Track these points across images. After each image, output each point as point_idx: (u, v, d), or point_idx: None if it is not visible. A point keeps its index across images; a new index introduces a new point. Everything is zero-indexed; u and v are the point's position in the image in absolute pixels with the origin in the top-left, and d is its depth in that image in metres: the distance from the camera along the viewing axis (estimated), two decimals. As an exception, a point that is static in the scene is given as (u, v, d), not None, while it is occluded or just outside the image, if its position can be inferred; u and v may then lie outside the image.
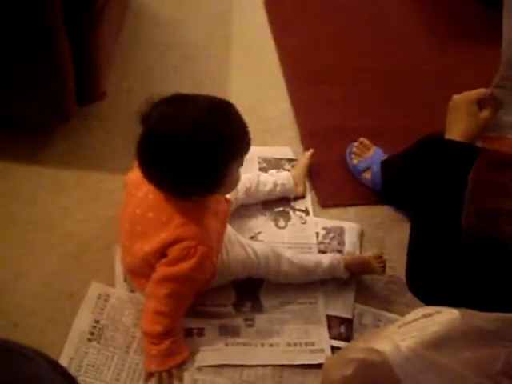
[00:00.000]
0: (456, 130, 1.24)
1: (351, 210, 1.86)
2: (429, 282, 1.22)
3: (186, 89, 2.11)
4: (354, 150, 1.95)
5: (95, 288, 1.58)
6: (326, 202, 1.86)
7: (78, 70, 1.75)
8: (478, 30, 2.65)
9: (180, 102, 1.32)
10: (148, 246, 1.40)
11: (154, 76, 2.23)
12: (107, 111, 2.04)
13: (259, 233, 1.75)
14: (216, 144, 1.27)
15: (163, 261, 1.39)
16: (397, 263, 1.74)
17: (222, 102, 1.33)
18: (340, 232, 1.78)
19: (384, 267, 1.66)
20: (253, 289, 1.63)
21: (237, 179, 1.41)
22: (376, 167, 1.86)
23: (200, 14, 2.56)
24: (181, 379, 1.44)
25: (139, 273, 1.49)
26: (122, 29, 2.25)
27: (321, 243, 1.75)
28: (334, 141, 2.02)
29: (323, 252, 1.72)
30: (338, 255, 1.66)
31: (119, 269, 1.62)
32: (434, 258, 1.21)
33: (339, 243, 1.75)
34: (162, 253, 1.39)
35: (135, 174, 1.43)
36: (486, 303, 1.06)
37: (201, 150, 1.25)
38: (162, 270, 1.39)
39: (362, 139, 1.96)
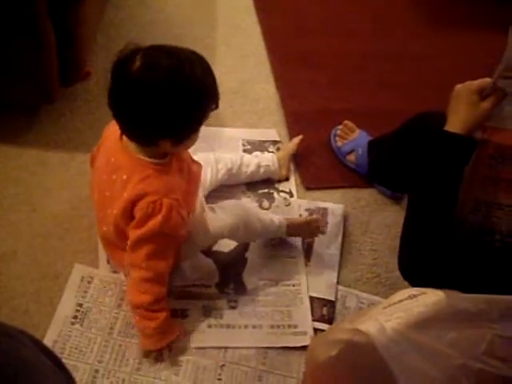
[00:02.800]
0: (455, 119, 1.23)
1: (336, 193, 1.86)
2: (420, 268, 1.23)
3: (171, 69, 2.13)
4: (339, 132, 1.95)
5: (78, 270, 1.57)
6: (311, 184, 1.86)
7: (61, 51, 1.73)
8: (466, 12, 2.64)
9: (159, 51, 1.31)
10: (116, 209, 1.38)
11: (138, 56, 2.20)
12: (92, 91, 2.02)
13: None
14: (196, 89, 1.27)
15: (132, 224, 1.36)
16: (381, 246, 1.75)
17: (198, 54, 1.33)
18: (323, 212, 1.78)
19: (319, 228, 1.68)
20: (236, 269, 1.63)
21: (197, 137, 1.39)
22: (361, 150, 1.85)
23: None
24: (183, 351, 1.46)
25: (115, 244, 1.47)
26: (105, 8, 2.22)
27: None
28: (319, 123, 2.02)
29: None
30: (282, 217, 1.66)
31: (103, 251, 1.62)
32: (426, 246, 1.22)
33: (322, 225, 1.74)
34: (129, 214, 1.36)
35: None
36: (477, 290, 1.06)
37: (181, 93, 1.25)
38: (133, 234, 1.36)
39: (346, 122, 1.96)
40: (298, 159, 1.91)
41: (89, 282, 1.55)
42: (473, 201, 1.26)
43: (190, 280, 1.59)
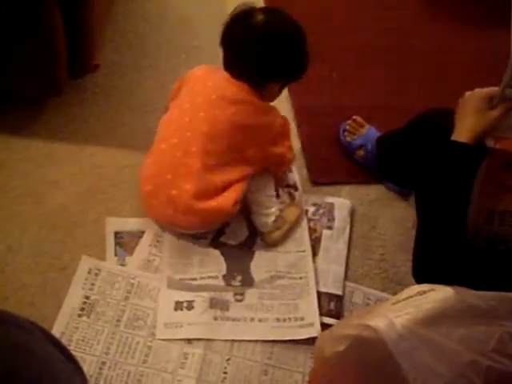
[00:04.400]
0: (463, 127, 1.23)
1: (344, 188, 1.86)
2: (433, 275, 1.21)
3: (180, 62, 2.14)
4: (348, 127, 1.94)
5: (85, 262, 1.57)
6: (318, 179, 1.85)
7: (70, 43, 1.72)
8: (475, 9, 2.63)
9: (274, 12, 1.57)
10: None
11: (146, 49, 2.20)
12: (100, 84, 2.02)
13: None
14: (301, 37, 1.57)
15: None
16: (388, 242, 1.75)
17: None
18: (330, 208, 1.77)
19: None
20: (243, 260, 1.63)
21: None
22: (370, 145, 1.85)
23: (193, -14, 2.53)
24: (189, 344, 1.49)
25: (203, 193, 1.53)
26: (114, 1, 2.21)
27: (310, 220, 1.74)
28: (328, 118, 2.01)
29: (313, 230, 1.73)
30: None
31: (110, 242, 1.63)
32: (439, 254, 1.21)
33: (329, 219, 1.75)
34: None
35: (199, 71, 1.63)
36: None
37: (292, 46, 1.55)
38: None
39: (355, 117, 1.95)
40: (307, 153, 1.91)
41: (96, 275, 1.55)
42: (486, 210, 1.25)
43: (197, 272, 1.59)
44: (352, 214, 1.79)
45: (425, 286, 1.06)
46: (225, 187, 1.54)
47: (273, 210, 1.64)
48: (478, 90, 1.24)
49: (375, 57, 2.34)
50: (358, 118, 1.94)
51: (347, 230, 1.73)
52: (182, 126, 1.54)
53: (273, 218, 1.63)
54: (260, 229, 1.66)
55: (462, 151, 1.21)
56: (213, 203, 1.53)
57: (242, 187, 1.57)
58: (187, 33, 2.29)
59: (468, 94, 1.26)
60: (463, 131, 1.22)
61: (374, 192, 1.86)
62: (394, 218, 1.80)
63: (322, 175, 1.86)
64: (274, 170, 1.67)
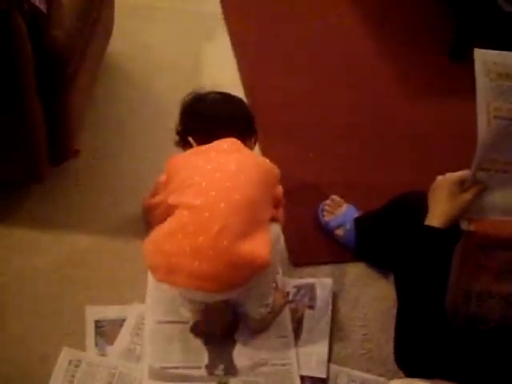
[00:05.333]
0: (436, 211, 1.25)
1: (324, 268, 1.86)
2: (415, 359, 1.21)
3: (159, 145, 2.16)
4: (326, 207, 1.96)
5: (66, 354, 1.56)
6: (299, 260, 1.86)
7: (50, 130, 1.75)
8: (448, 82, 2.72)
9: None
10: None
11: (127, 133, 2.23)
12: (81, 170, 2.04)
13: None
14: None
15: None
16: (371, 321, 1.75)
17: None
18: (311, 288, 1.78)
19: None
20: (225, 348, 1.62)
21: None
22: (349, 224, 1.87)
23: (171, 70, 2.58)
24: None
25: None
26: (94, 86, 2.25)
27: (292, 301, 1.74)
28: (306, 198, 2.03)
29: (295, 310, 1.72)
30: None
31: (90, 331, 1.62)
32: (419, 338, 1.21)
33: (310, 298, 1.75)
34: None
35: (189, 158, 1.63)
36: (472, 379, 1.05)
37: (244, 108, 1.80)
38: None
39: (333, 196, 1.98)
40: (286, 235, 1.90)
41: (76, 366, 1.53)
42: (464, 291, 1.26)
43: (179, 360, 1.57)
44: (333, 293, 1.79)
45: (402, 381, 1.05)
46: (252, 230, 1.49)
47: (270, 299, 1.63)
48: (449, 175, 1.27)
49: (350, 134, 2.38)
50: (337, 198, 1.97)
51: (329, 310, 1.73)
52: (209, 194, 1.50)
53: (269, 308, 1.63)
54: (253, 316, 1.64)
55: (434, 236, 1.23)
56: (246, 246, 1.44)
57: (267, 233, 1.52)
58: (167, 116, 2.32)
59: (440, 178, 1.28)
60: (436, 215, 1.24)
61: (355, 271, 1.87)
62: (376, 296, 1.80)
63: (303, 256, 1.87)
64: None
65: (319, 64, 2.76)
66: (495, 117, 1.15)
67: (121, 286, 1.73)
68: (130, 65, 2.58)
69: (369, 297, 1.81)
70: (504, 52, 1.16)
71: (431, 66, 2.84)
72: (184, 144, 1.72)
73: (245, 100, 1.95)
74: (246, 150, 1.63)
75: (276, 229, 1.60)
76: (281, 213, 1.68)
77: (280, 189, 1.70)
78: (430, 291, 1.23)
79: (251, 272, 1.46)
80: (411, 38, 3.01)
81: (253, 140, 1.76)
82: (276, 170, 1.65)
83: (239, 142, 1.63)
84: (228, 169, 1.52)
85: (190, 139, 1.68)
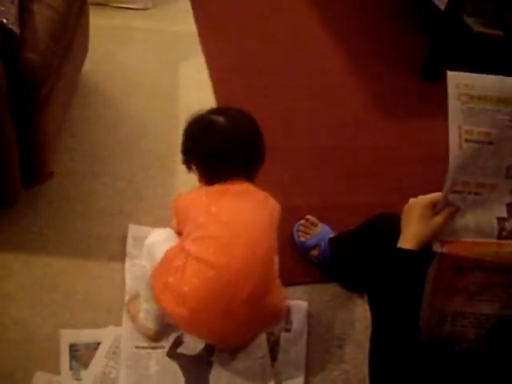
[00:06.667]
0: (408, 234, 1.25)
1: (299, 289, 1.86)
2: (389, 380, 1.21)
3: (135, 166, 2.16)
4: (301, 227, 1.97)
5: (39, 378, 1.53)
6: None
7: (23, 154, 1.74)
8: (422, 102, 2.76)
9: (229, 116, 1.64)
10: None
11: (101, 155, 2.22)
12: (55, 192, 2.03)
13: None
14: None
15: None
16: (347, 341, 1.75)
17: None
18: (287, 311, 1.76)
19: None
20: (202, 373, 1.60)
21: None
22: (324, 244, 1.87)
23: (147, 91, 2.59)
24: None
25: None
26: (70, 108, 2.25)
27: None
28: (281, 219, 2.02)
29: (271, 333, 1.71)
30: None
31: (65, 355, 1.59)
32: (393, 359, 1.21)
33: (287, 322, 1.74)
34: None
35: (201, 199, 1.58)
36: None
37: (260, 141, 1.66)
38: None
39: (308, 216, 1.98)
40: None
41: (49, 391, 1.52)
42: (438, 312, 1.26)
43: (155, 384, 1.56)
44: (309, 314, 1.79)
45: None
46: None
47: None
48: (421, 197, 1.27)
49: (325, 155, 2.40)
50: (312, 218, 1.98)
51: (305, 333, 1.73)
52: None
53: None
54: None
55: (406, 258, 1.23)
56: (271, 302, 1.50)
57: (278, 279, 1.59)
58: (143, 138, 2.33)
59: (412, 200, 1.29)
60: (408, 238, 1.24)
61: (330, 291, 1.87)
62: (351, 316, 1.81)
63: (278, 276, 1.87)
64: None
65: (293, 84, 2.78)
66: (466, 140, 1.16)
67: (95, 309, 1.71)
68: (106, 85, 2.58)
69: (344, 317, 1.81)
70: (476, 74, 1.17)
71: (405, 86, 2.88)
72: (188, 167, 1.66)
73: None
74: (254, 191, 1.61)
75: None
76: None
77: None
78: (404, 313, 1.23)
79: (272, 323, 1.60)
80: (385, 58, 3.06)
81: (258, 170, 1.69)
82: (278, 206, 1.65)
83: (247, 182, 1.61)
84: (244, 219, 1.53)
85: (193, 168, 1.64)
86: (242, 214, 1.53)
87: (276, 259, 1.62)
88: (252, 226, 1.51)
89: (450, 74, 1.16)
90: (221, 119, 1.59)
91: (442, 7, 2.87)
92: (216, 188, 1.57)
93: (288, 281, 1.85)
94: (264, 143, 1.67)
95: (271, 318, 1.56)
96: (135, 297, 1.68)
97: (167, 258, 1.52)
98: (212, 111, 1.65)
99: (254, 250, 1.47)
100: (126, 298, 1.72)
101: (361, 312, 1.80)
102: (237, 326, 1.48)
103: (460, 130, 1.16)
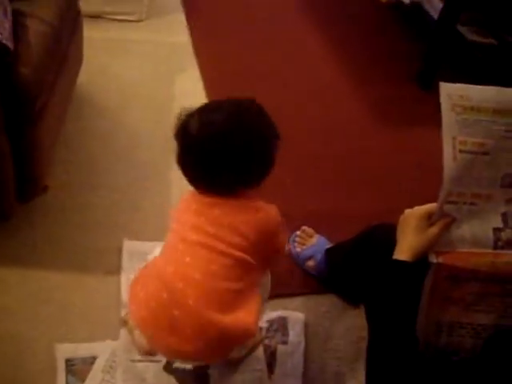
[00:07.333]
0: (404, 245, 1.25)
1: (296, 300, 1.85)
2: None
3: (130, 179, 2.16)
4: (297, 238, 1.97)
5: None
6: (271, 292, 1.83)
7: (18, 168, 1.74)
8: (418, 110, 2.76)
9: (209, 111, 1.43)
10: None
11: (97, 167, 2.23)
12: (50, 205, 2.02)
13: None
14: (254, 131, 1.40)
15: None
16: (344, 352, 1.74)
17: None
18: (284, 322, 1.77)
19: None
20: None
21: None
22: (320, 255, 1.87)
23: (142, 102, 2.59)
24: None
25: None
26: (64, 121, 2.24)
27: (265, 338, 1.72)
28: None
29: (268, 346, 1.71)
30: None
31: (61, 369, 1.59)
32: (391, 371, 1.21)
33: (283, 334, 1.74)
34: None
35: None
36: None
37: (241, 139, 1.36)
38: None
39: (304, 227, 1.98)
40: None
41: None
42: (435, 323, 1.26)
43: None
44: (306, 325, 1.78)
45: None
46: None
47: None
48: (417, 208, 1.27)
49: (321, 164, 2.40)
50: (307, 229, 1.98)
51: (302, 344, 1.73)
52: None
53: (245, 351, 1.61)
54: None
55: (402, 270, 1.23)
56: (227, 319, 1.32)
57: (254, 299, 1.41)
58: (139, 149, 2.33)
59: (407, 211, 1.29)
60: (404, 249, 1.24)
61: (327, 302, 1.86)
62: (348, 327, 1.80)
63: (274, 288, 1.85)
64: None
65: (288, 92, 2.78)
66: (460, 151, 1.17)
67: (92, 323, 1.71)
68: (101, 97, 2.58)
69: (341, 328, 1.80)
70: (469, 85, 1.18)
71: (401, 93, 2.89)
72: None
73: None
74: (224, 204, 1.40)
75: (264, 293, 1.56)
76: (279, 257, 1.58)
77: (282, 237, 1.53)
78: (401, 324, 1.23)
79: (235, 344, 1.42)
80: (381, 65, 3.08)
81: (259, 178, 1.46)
82: (273, 221, 1.45)
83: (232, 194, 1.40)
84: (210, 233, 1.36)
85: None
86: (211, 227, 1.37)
87: (267, 278, 1.59)
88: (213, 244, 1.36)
89: (443, 84, 1.16)
90: (193, 120, 1.39)
91: (436, 16, 2.89)
92: (190, 196, 1.46)
93: (285, 292, 1.86)
94: (268, 146, 1.43)
95: (229, 340, 1.37)
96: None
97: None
98: (200, 108, 1.44)
99: (207, 267, 1.34)
100: (123, 311, 1.71)
101: (357, 322, 1.80)
102: (188, 348, 1.33)
103: (454, 140, 1.17)
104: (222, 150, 1.35)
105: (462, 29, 2.95)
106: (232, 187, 1.40)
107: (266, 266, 1.50)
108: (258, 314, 1.40)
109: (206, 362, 1.50)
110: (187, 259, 1.35)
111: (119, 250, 1.89)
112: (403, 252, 1.24)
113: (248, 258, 1.37)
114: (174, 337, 1.33)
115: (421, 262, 1.24)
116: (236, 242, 1.36)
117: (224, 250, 1.35)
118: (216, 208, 1.39)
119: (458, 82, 1.18)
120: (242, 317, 1.34)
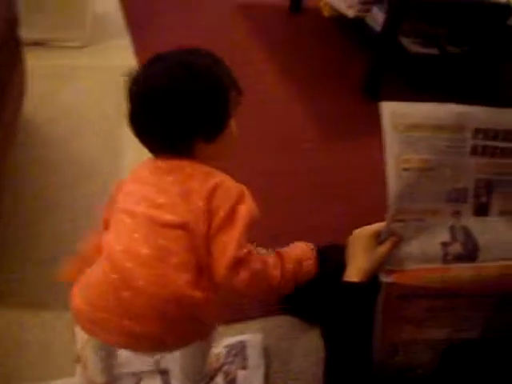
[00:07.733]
0: (353, 266, 1.25)
1: (254, 323, 1.83)
2: None
3: (82, 209, 2.12)
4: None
5: None
6: (228, 317, 1.83)
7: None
8: (365, 122, 2.77)
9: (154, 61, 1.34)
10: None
11: (46, 196, 2.18)
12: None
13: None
14: (205, 81, 1.28)
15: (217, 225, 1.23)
16: (304, 374, 1.73)
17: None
18: (242, 347, 1.74)
19: None
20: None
21: (235, 132, 1.42)
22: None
23: (91, 129, 2.56)
24: None
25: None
26: (9, 150, 2.19)
27: (224, 364, 1.70)
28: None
29: (227, 373, 1.69)
30: None
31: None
32: None
33: (244, 358, 1.72)
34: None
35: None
36: None
37: (189, 90, 1.25)
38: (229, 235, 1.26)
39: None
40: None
41: None
42: (390, 343, 1.26)
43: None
44: (265, 348, 1.77)
45: None
46: None
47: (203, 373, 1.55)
48: (364, 228, 1.28)
49: (275, 180, 2.41)
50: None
51: (262, 368, 1.71)
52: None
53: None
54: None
55: (353, 291, 1.23)
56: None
57: None
58: (88, 179, 2.29)
59: (356, 232, 1.29)
60: (354, 270, 1.24)
61: (285, 324, 1.85)
62: (308, 347, 1.79)
63: (232, 313, 1.83)
64: None
65: (239, 117, 2.77)
66: (404, 169, 1.17)
67: (48, 360, 1.66)
68: (48, 127, 2.54)
69: (300, 349, 1.79)
70: (411, 103, 1.19)
71: (350, 107, 2.92)
72: None
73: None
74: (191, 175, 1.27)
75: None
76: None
77: (243, 209, 1.32)
78: (354, 346, 1.23)
79: (194, 318, 1.26)
80: (329, 79, 3.12)
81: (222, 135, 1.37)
82: (235, 190, 1.32)
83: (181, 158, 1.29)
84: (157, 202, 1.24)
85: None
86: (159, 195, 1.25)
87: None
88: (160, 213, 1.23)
89: (385, 104, 1.17)
90: (137, 75, 1.30)
91: (379, 29, 2.92)
92: (141, 164, 1.37)
93: (242, 316, 1.84)
94: (223, 96, 1.36)
95: (193, 305, 1.23)
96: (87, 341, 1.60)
97: None
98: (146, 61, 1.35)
99: (155, 241, 1.21)
100: (79, 345, 1.67)
101: (316, 343, 1.77)
102: (141, 330, 1.23)
103: (398, 159, 1.17)
104: (167, 98, 1.24)
105: (406, 40, 3.00)
106: (184, 143, 1.28)
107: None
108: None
109: (164, 349, 1.36)
110: (135, 235, 1.23)
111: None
112: (353, 273, 1.24)
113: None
114: (127, 319, 1.22)
115: (371, 282, 1.24)
116: (187, 210, 1.22)
117: (173, 220, 1.22)
118: (170, 174, 1.27)
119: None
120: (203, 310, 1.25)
